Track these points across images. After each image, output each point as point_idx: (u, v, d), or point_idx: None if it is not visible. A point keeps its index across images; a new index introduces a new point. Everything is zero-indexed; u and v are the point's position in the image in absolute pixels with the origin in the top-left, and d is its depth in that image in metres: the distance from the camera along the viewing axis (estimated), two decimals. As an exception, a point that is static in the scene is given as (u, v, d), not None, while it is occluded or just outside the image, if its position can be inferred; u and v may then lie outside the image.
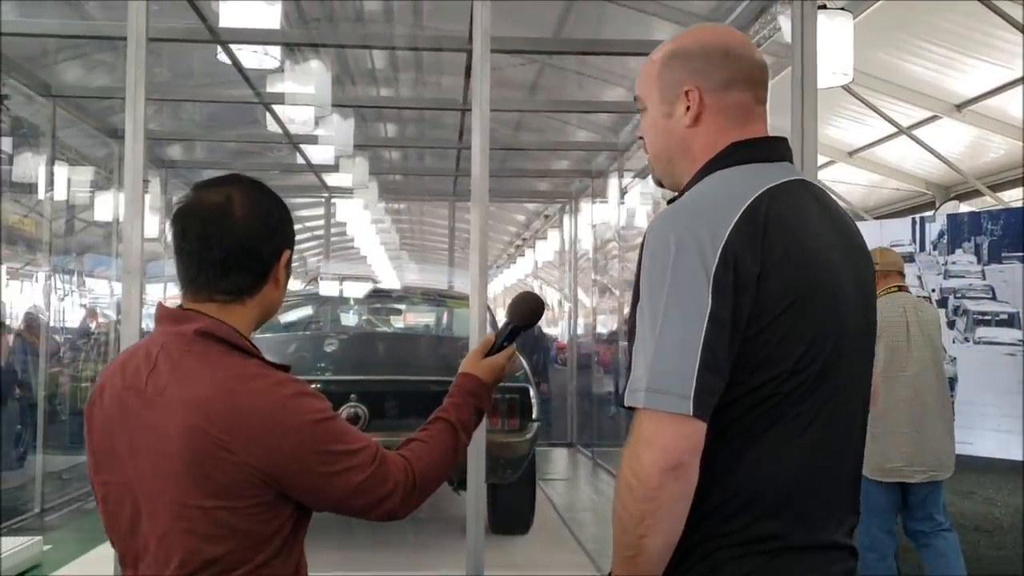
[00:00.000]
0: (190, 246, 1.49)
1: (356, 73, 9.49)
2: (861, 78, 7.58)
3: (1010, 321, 7.01)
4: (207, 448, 1.38)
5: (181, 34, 5.04)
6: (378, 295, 7.97)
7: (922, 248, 7.59)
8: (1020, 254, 7.01)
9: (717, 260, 1.28)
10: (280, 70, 5.94)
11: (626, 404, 1.31)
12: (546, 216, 13.73)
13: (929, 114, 9.04)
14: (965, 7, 6.90)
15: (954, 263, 7.37)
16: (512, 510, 5.35)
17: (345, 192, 9.73)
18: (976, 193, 10.24)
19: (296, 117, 6.91)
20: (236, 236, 1.47)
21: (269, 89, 6.42)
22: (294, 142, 7.57)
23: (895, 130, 9.31)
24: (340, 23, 8.20)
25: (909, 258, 7.46)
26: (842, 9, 5.63)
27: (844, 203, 10.75)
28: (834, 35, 5.38)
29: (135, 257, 3.07)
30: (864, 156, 10.71)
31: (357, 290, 7.25)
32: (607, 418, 9.98)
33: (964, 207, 10.38)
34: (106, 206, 7.92)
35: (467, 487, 3.39)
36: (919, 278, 7.51)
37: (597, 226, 10.13)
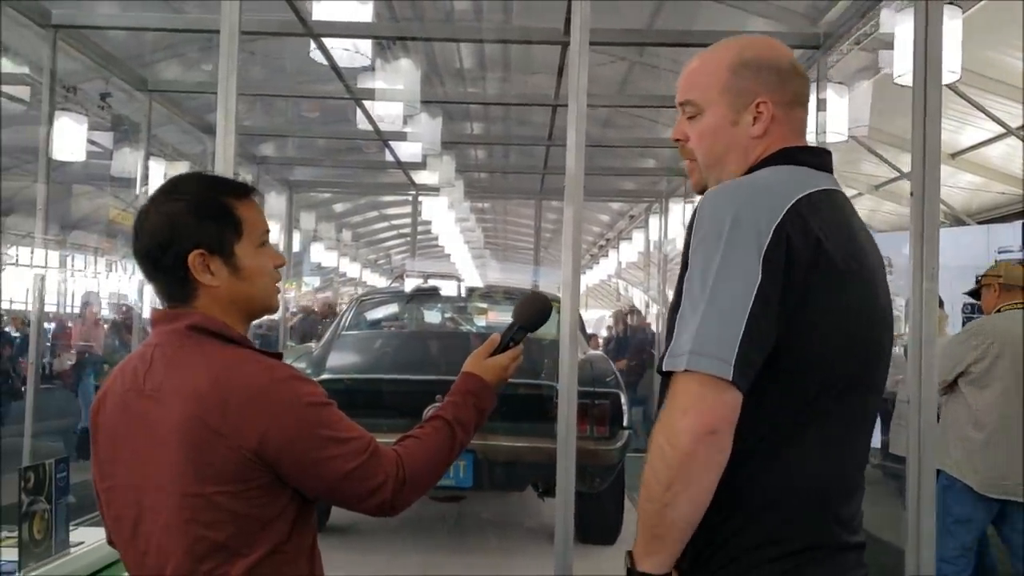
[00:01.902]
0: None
1: (444, 72, 9.53)
2: (966, 76, 7.26)
3: None
4: (203, 435, 1.41)
5: (273, 28, 5.07)
6: (423, 294, 7.94)
7: (1034, 255, 7.23)
8: None
9: (770, 237, 1.30)
10: (371, 68, 5.98)
11: (664, 369, 1.31)
12: (631, 216, 13.58)
13: (1040, 114, 8.62)
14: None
15: (1069, 271, 6.99)
16: (598, 520, 5.24)
17: (432, 190, 9.77)
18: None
19: (385, 115, 6.97)
20: (142, 248, 1.53)
21: (360, 87, 6.46)
22: (383, 139, 7.63)
23: (1002, 131, 8.89)
24: (430, 23, 8.24)
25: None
26: (950, 4, 5.41)
27: (945, 207, 10.33)
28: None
29: None
30: (967, 158, 10.27)
31: (446, 288, 7.24)
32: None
33: (1076, 212, 9.86)
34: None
35: (555, 494, 3.32)
36: (1029, 286, 7.15)
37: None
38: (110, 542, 1.62)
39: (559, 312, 3.06)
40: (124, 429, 1.51)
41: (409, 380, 4.83)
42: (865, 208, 12.75)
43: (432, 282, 7.49)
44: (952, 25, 5.33)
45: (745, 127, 1.50)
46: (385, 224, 19.92)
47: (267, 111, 8.78)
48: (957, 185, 11.01)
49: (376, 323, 6.59)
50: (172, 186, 1.58)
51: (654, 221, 11.48)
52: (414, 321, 6.96)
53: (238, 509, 1.42)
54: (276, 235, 10.09)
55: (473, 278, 15.54)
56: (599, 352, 5.80)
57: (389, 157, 8.94)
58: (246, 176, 8.52)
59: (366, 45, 5.84)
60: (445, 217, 11.26)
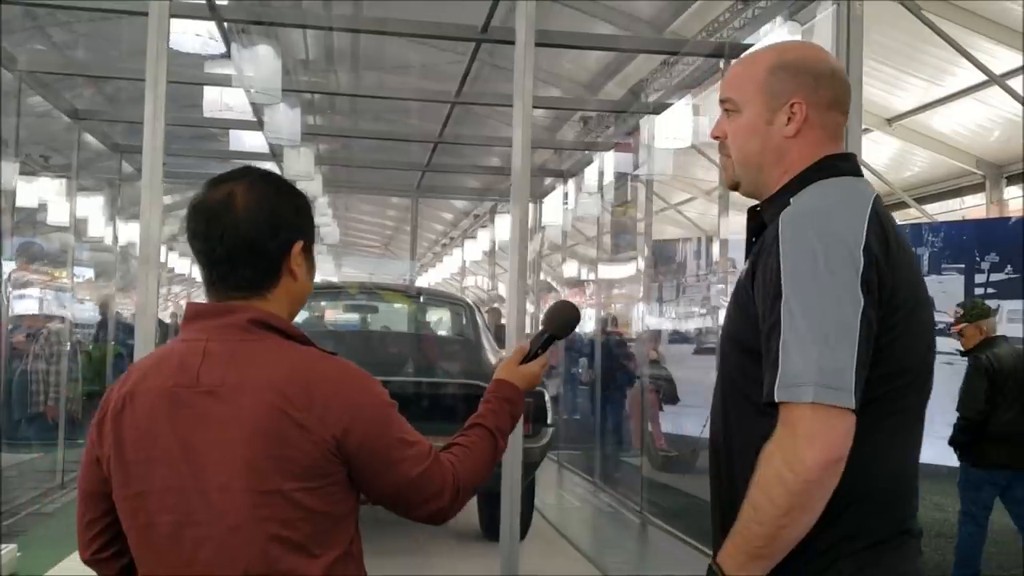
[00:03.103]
0: (200, 245, 1.48)
1: (290, 62, 9.24)
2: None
3: (949, 331, 7.25)
4: (284, 429, 1.37)
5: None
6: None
7: (864, 258, 7.80)
8: (960, 266, 7.28)
9: (862, 259, 1.37)
10: (227, 55, 5.74)
11: (784, 399, 1.34)
12: (476, 215, 13.64)
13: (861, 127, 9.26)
14: (901, 22, 7.08)
15: (895, 273, 7.58)
16: None
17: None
18: (900, 205, 10.56)
19: (236, 104, 6.68)
20: (238, 233, 1.45)
21: (215, 73, 6.17)
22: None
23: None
24: (278, 7, 7.97)
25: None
26: (792, 20, 5.72)
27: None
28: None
29: (153, 245, 2.92)
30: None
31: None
32: (570, 420, 9.95)
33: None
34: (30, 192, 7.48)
35: (501, 491, 3.29)
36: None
37: (547, 227, 10.12)
38: (89, 561, 1.53)
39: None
40: (166, 428, 1.40)
41: None
42: (696, 211, 13.36)
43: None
44: (792, 39, 5.63)
45: (779, 127, 1.56)
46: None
47: (116, 96, 8.23)
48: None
49: None
50: (263, 176, 1.54)
51: (500, 220, 11.58)
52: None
53: (316, 506, 1.39)
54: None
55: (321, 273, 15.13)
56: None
57: (232, 146, 8.58)
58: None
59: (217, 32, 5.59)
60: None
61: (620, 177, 8.41)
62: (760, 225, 1.56)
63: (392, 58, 9.84)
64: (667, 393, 8.20)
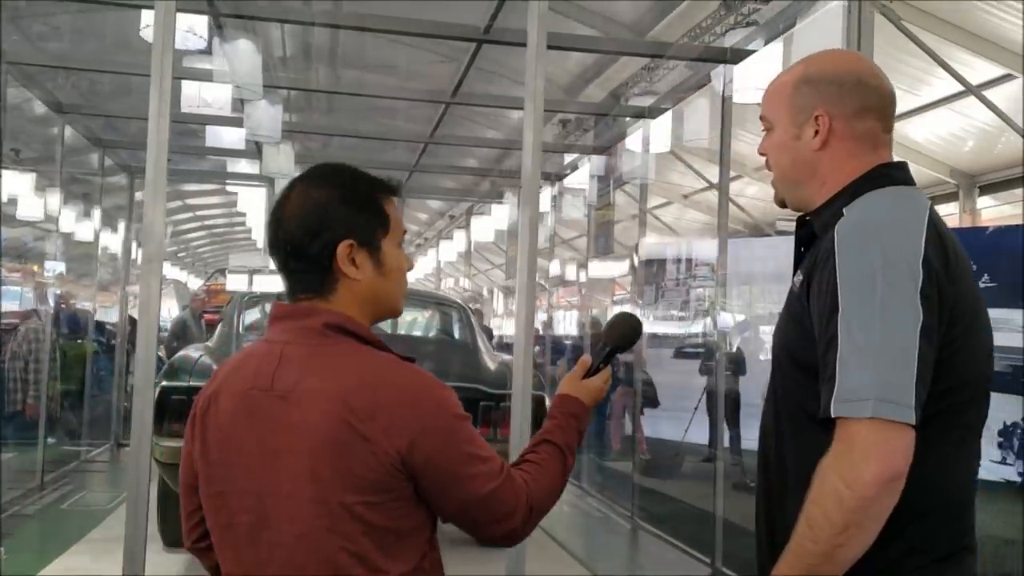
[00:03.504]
0: (269, 251, 1.50)
1: (267, 59, 9.15)
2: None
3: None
4: (347, 440, 1.32)
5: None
6: None
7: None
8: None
9: (922, 273, 1.34)
10: (207, 51, 5.67)
11: (841, 415, 1.31)
12: (451, 216, 13.62)
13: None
14: (878, 31, 7.11)
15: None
16: None
17: (264, 180, 9.28)
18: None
19: (214, 100, 6.59)
20: (285, 235, 1.44)
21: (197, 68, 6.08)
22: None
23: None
24: (261, 5, 7.88)
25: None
26: (785, 34, 5.76)
27: (749, 217, 11.03)
28: (765, 57, 5.55)
29: (156, 244, 2.85)
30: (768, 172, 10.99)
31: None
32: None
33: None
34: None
35: None
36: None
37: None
38: (192, 548, 1.54)
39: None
40: (244, 430, 1.38)
41: None
42: (671, 216, 13.43)
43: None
44: (774, 51, 5.67)
45: (806, 141, 1.55)
46: (187, 215, 18.95)
47: (92, 90, 8.09)
48: (759, 197, 11.79)
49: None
50: (318, 174, 1.49)
51: (476, 222, 11.57)
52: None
53: (377, 521, 1.34)
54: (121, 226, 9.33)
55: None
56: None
57: (209, 142, 8.47)
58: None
59: (202, 27, 5.53)
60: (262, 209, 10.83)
61: (603, 180, 8.42)
62: (809, 234, 1.54)
63: (372, 57, 9.80)
64: (647, 397, 8.22)
